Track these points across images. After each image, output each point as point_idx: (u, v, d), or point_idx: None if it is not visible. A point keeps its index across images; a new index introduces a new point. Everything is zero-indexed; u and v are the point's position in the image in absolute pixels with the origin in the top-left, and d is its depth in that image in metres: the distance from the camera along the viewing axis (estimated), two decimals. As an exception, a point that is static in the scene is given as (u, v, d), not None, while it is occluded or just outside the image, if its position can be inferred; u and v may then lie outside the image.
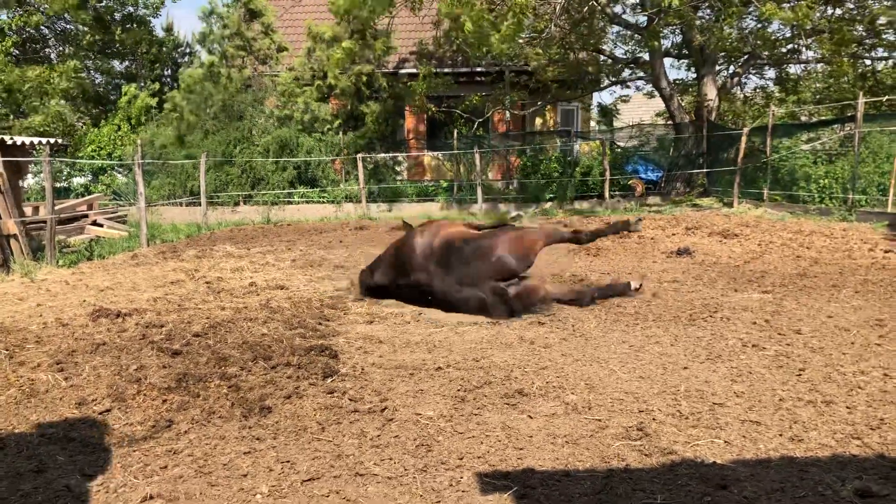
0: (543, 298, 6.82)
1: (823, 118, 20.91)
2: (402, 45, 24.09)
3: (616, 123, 30.12)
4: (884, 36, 20.95)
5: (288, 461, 3.60)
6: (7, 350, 5.66)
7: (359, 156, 20.35)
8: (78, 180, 24.66)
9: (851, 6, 20.64)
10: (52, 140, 12.55)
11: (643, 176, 23.42)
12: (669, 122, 23.86)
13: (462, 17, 17.51)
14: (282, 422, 4.12)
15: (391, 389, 4.66)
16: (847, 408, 4.12)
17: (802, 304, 6.85)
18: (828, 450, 3.58)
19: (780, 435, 3.77)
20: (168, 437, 3.93)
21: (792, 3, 17.87)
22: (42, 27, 27.65)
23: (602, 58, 24.25)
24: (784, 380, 4.64)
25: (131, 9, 27.52)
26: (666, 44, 23.71)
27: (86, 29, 26.65)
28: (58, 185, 22.94)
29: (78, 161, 23.12)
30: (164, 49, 29.13)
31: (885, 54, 22.11)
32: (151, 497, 3.24)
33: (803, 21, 17.10)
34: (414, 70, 23.34)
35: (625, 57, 25.22)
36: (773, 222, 14.02)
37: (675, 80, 25.52)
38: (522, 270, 6.83)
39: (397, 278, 7.40)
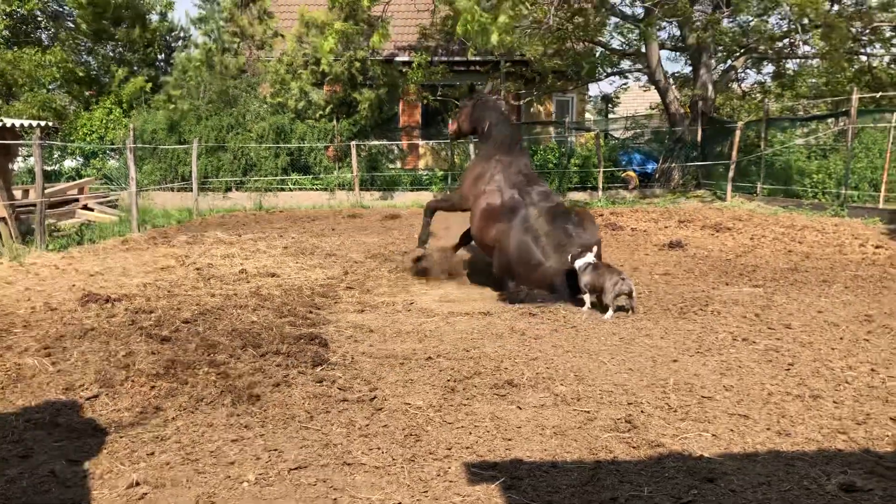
0: None
1: (818, 113, 20.88)
2: (397, 32, 23.94)
3: (611, 115, 30.08)
4: (880, 33, 20.91)
5: (276, 449, 3.59)
6: (-6, 334, 5.62)
7: (353, 143, 20.25)
8: (69, 164, 24.43)
9: (849, 2, 20.57)
10: (42, 123, 12.44)
11: (637, 168, 23.36)
12: (664, 114, 23.81)
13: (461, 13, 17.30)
14: (270, 410, 4.11)
15: (381, 379, 4.65)
16: (834, 402, 4.14)
17: (793, 299, 6.87)
18: (814, 444, 3.59)
19: (768, 429, 3.78)
20: (156, 424, 3.91)
21: None
22: (35, 10, 27.30)
23: (599, 49, 24.15)
24: (773, 374, 4.66)
25: None
26: (663, 35, 23.64)
27: (79, 13, 26.29)
28: (48, 168, 22.74)
29: (69, 144, 22.91)
30: (158, 33, 28.83)
31: (882, 51, 22.08)
32: (137, 483, 3.23)
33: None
34: (409, 58, 23.18)
35: (622, 48, 25.13)
36: (765, 216, 14.05)
37: (672, 73, 25.48)
38: None
39: None
